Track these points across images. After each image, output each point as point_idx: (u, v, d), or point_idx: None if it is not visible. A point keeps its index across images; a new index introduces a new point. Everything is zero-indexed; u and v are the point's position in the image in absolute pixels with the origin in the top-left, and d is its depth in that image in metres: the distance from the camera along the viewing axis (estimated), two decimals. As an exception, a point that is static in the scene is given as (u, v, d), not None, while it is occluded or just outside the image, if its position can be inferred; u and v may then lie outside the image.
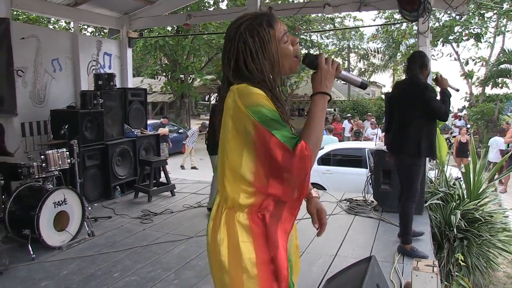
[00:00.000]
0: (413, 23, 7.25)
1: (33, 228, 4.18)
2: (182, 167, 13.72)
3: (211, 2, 18.60)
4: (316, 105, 1.58)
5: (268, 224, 1.59)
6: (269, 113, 1.50)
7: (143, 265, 4.06)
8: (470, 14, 16.85)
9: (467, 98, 23.02)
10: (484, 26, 19.04)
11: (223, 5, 18.97)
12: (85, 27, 17.38)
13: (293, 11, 7.13)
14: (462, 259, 4.74)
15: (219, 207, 1.65)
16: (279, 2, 18.59)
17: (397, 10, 6.06)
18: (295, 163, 1.46)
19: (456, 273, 4.82)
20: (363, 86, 1.74)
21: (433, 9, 5.91)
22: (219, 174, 1.67)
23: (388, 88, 39.60)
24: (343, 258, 4.21)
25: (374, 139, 14.80)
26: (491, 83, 19.57)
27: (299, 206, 1.65)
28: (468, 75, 21.89)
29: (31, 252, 4.15)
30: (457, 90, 4.99)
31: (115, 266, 4.03)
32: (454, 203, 5.53)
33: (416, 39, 6.32)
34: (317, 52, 1.66)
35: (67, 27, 18.55)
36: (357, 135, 14.95)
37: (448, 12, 9.71)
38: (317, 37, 25.78)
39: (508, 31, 20.51)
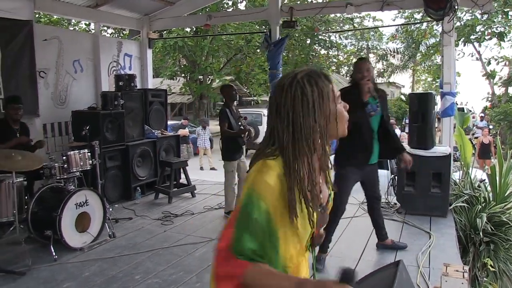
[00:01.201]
0: (434, 22, 7.10)
1: (55, 229, 4.18)
2: (202, 168, 13.70)
3: (230, 3, 18.62)
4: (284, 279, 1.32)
5: None
6: (256, 210, 1.29)
7: (165, 267, 4.03)
8: (494, 12, 16.51)
9: (489, 99, 22.62)
10: (508, 24, 18.65)
11: (241, 6, 18.97)
12: (105, 28, 17.51)
13: (314, 11, 7.04)
14: (492, 264, 4.61)
15: None
16: (298, 2, 18.49)
17: (418, 10, 5.94)
18: (224, 266, 1.30)
19: (484, 278, 4.69)
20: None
21: (458, 7, 5.77)
22: None
23: (407, 89, 39.18)
24: (368, 262, 4.11)
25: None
26: (515, 83, 19.23)
27: None
28: (490, 75, 21.53)
29: (53, 253, 4.16)
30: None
31: (136, 268, 4.00)
32: (480, 206, 5.39)
33: (439, 39, 6.20)
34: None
35: (87, 28, 18.74)
36: None
37: (471, 11, 9.51)
38: (336, 37, 25.59)
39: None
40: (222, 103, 5.77)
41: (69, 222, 4.32)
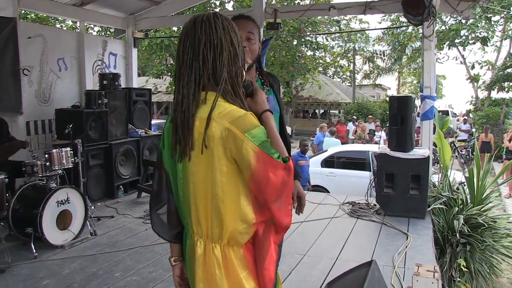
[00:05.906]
0: (419, 26, 7.24)
1: (36, 227, 4.19)
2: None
3: (217, 3, 18.61)
4: (271, 120, 1.62)
5: (256, 244, 1.55)
6: (264, 133, 1.48)
7: (145, 265, 4.07)
8: (477, 17, 16.79)
9: (473, 102, 22.96)
10: (491, 30, 18.97)
11: (229, 6, 18.98)
12: (92, 26, 17.42)
13: (298, 13, 7.15)
14: (464, 264, 4.72)
15: (207, 248, 1.55)
16: (285, 4, 18.57)
17: (402, 14, 6.04)
18: (291, 178, 1.50)
19: (458, 279, 4.80)
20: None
21: (438, 13, 5.90)
22: (199, 207, 1.53)
23: (393, 91, 39.56)
24: (344, 261, 4.19)
25: (379, 142, 14.80)
26: (497, 87, 19.53)
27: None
28: (474, 79, 21.85)
29: (34, 251, 4.17)
30: None
31: (116, 266, 4.04)
32: (457, 208, 5.49)
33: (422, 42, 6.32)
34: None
35: (73, 26, 18.63)
36: (373, 133, 15.19)
37: (454, 16, 9.68)
38: (323, 39, 25.76)
39: (514, 35, 20.44)
40: None
41: (50, 219, 4.33)
